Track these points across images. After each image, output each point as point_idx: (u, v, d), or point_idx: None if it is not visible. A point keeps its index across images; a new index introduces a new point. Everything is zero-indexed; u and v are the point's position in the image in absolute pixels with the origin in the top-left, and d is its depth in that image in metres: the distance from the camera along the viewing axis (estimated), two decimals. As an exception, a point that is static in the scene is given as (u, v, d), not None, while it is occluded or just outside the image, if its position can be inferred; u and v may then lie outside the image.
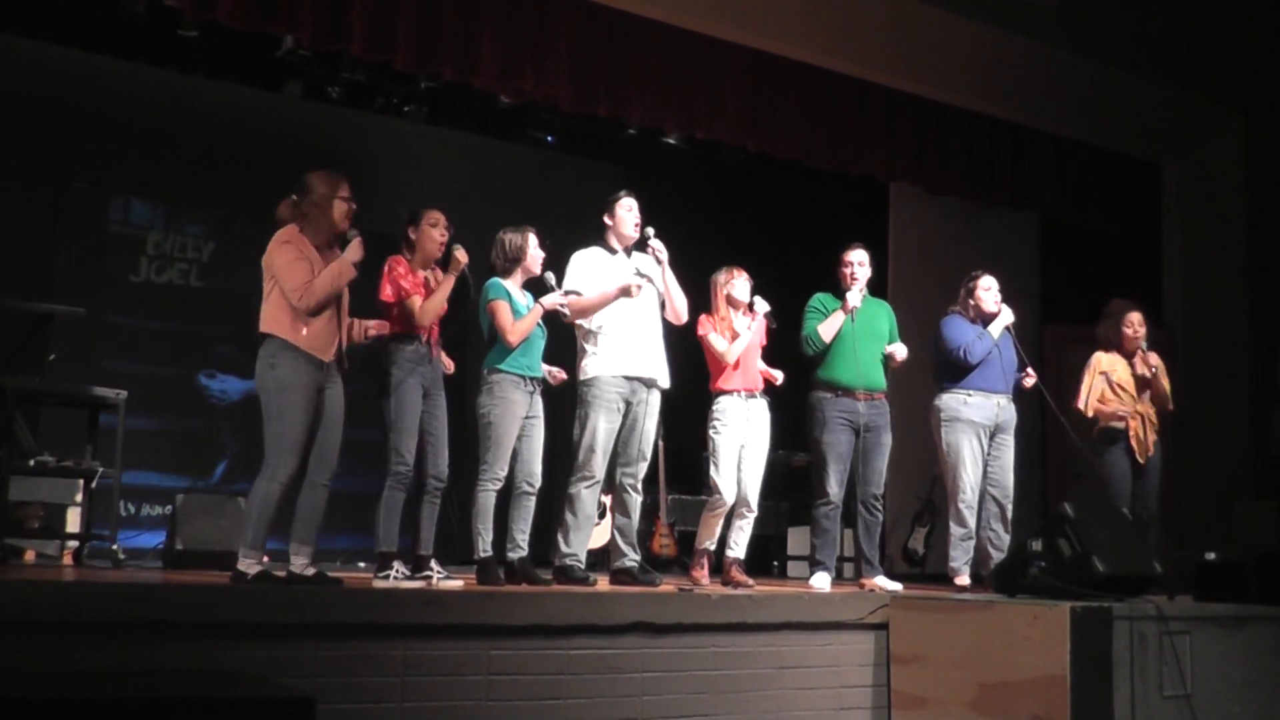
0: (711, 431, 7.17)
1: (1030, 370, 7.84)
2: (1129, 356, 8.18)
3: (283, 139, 10.13)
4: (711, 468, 7.17)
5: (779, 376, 7.37)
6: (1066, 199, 10.73)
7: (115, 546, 7.23)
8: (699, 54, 8.87)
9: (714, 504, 7.15)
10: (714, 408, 7.21)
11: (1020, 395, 7.92)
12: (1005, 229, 11.02)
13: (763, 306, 7.28)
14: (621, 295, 6.84)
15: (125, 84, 9.96)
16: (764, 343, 7.41)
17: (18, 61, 9.52)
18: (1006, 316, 7.77)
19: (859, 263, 7.61)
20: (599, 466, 6.83)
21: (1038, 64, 9.62)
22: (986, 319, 7.77)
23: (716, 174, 11.46)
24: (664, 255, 7.05)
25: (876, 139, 9.69)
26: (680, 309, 7.17)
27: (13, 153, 9.41)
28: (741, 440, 7.17)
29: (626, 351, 6.91)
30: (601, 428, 6.81)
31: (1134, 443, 8.07)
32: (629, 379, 6.90)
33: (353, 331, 5.93)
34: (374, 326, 6.07)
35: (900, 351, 7.52)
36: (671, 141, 10.76)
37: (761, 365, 7.37)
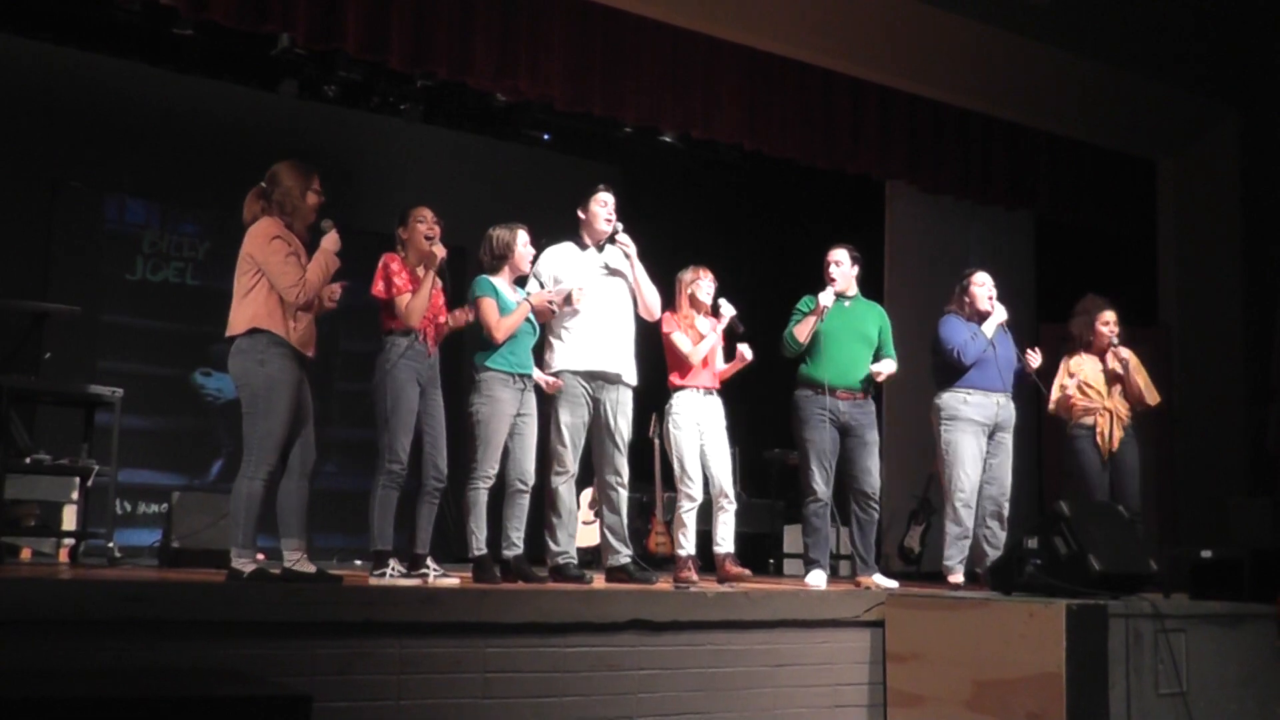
0: (670, 427, 7.19)
1: (1031, 351, 7.82)
2: (1100, 354, 8.18)
3: (278, 138, 10.11)
4: (676, 463, 7.19)
5: (748, 354, 7.34)
6: (1061, 197, 10.74)
7: (111, 544, 7.24)
8: (694, 52, 8.88)
9: (684, 499, 7.15)
10: (670, 403, 7.24)
11: (1019, 392, 7.92)
12: (1001, 227, 11.03)
13: (729, 310, 7.27)
14: (565, 304, 6.84)
15: (120, 83, 9.96)
16: (723, 343, 7.40)
17: (12, 61, 9.52)
18: (999, 315, 7.76)
19: (835, 262, 7.60)
20: (570, 459, 6.84)
21: (1032, 62, 9.63)
22: (981, 316, 7.76)
23: (713, 172, 11.46)
24: (632, 250, 7.04)
25: (871, 137, 9.69)
26: (652, 305, 7.16)
27: (8, 152, 9.43)
28: (699, 434, 7.18)
29: (592, 347, 6.92)
30: (566, 421, 6.83)
31: (1099, 439, 8.08)
32: (593, 375, 6.91)
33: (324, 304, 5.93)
34: (337, 288, 6.04)
35: (886, 368, 7.50)
36: (668, 140, 10.77)
37: (722, 365, 7.37)
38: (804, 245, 10.20)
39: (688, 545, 7.15)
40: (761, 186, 11.43)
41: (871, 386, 7.59)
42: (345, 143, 10.45)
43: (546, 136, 11.55)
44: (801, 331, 7.47)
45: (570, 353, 6.91)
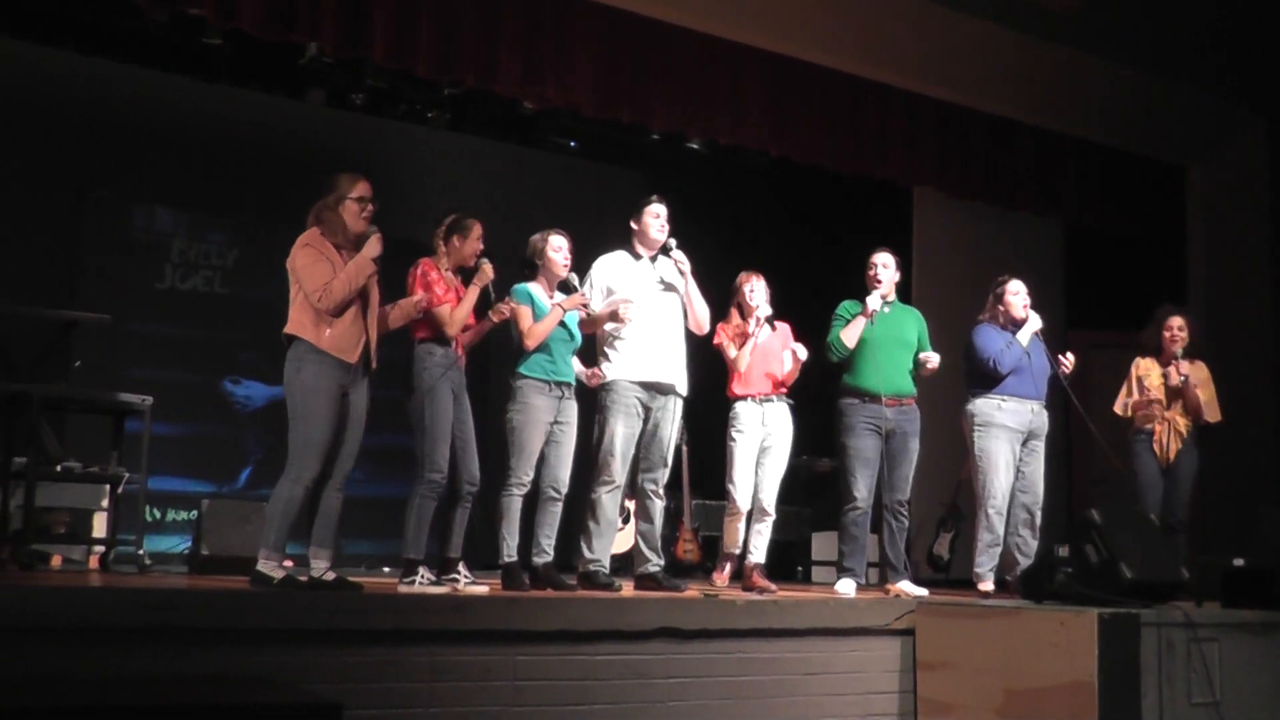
0: (729, 435, 7.19)
1: (1064, 359, 7.75)
2: (1168, 362, 8.13)
3: (306, 146, 10.16)
4: (728, 471, 7.19)
5: (801, 354, 7.31)
6: (1090, 203, 10.71)
7: (141, 552, 7.26)
8: (721, 59, 8.88)
9: (731, 510, 7.17)
10: (731, 413, 7.24)
11: (1053, 400, 7.86)
12: (1030, 233, 10.98)
13: (764, 311, 7.26)
14: (611, 320, 6.83)
15: (149, 92, 9.99)
16: (788, 345, 7.35)
17: (41, 70, 9.56)
18: (1034, 323, 7.71)
19: (882, 265, 7.61)
20: (619, 471, 6.83)
21: (1061, 67, 9.60)
22: (1016, 324, 7.72)
23: (740, 179, 11.44)
24: (686, 266, 7.04)
25: (899, 143, 9.68)
26: (702, 319, 7.16)
27: (37, 161, 9.46)
28: (759, 445, 7.17)
29: (646, 357, 6.91)
30: (620, 432, 6.81)
31: (1156, 448, 8.04)
32: (648, 385, 6.90)
33: (399, 311, 5.99)
34: (419, 300, 6.11)
35: (932, 360, 7.50)
36: (695, 147, 10.76)
37: (787, 365, 7.34)
38: (832, 252, 10.19)
39: (733, 548, 7.21)
40: (789, 193, 11.40)
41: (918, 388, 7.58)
42: (372, 151, 10.45)
43: (573, 144, 11.54)
44: (850, 336, 7.45)
45: (626, 363, 6.89)
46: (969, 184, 10.12)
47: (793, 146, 9.31)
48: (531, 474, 6.58)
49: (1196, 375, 8.11)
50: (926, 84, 9.64)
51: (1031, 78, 9.63)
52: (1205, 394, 8.09)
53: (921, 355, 7.52)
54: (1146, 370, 8.15)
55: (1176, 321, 8.16)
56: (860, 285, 7.62)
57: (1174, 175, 11.25)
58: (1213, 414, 8.14)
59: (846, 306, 7.59)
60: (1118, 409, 8.17)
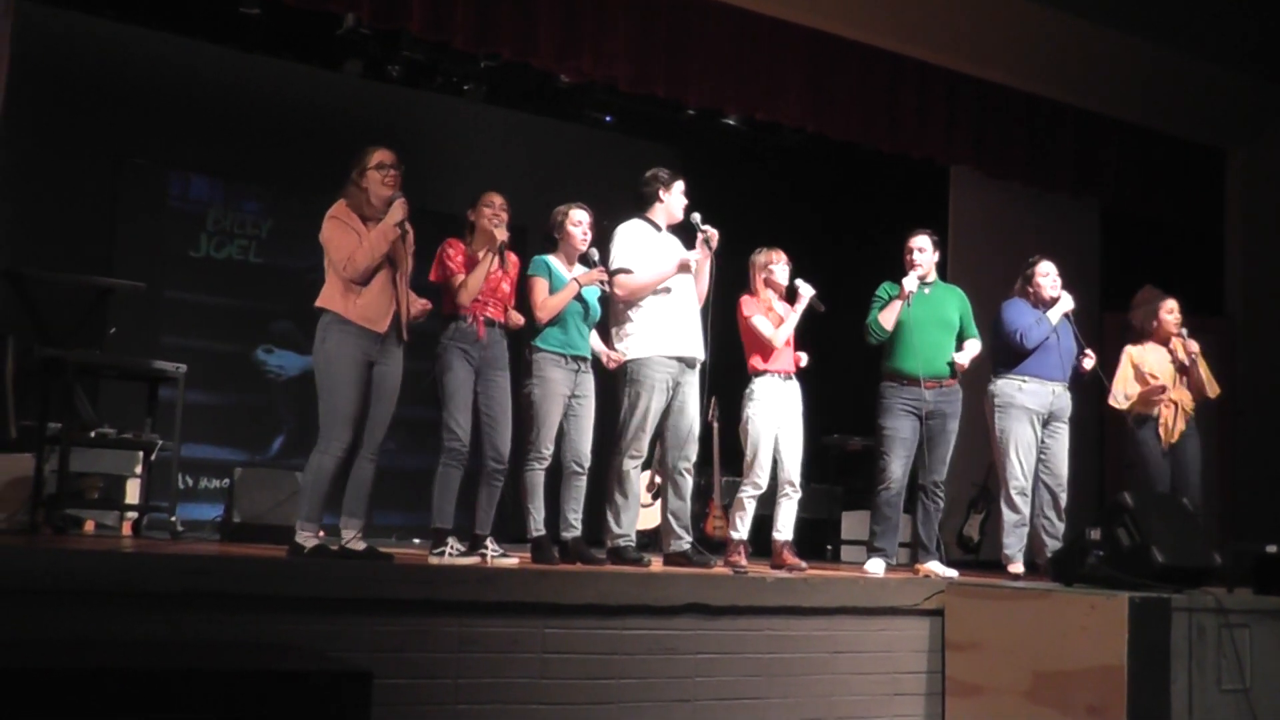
0: (749, 411, 7.15)
1: (1089, 352, 7.73)
2: (1165, 343, 8.06)
3: (342, 117, 10.16)
4: (749, 448, 7.14)
5: (803, 359, 7.33)
6: (1128, 185, 10.63)
7: (173, 518, 7.30)
8: (759, 34, 8.84)
9: (749, 484, 7.12)
10: (751, 388, 7.19)
11: (1077, 383, 7.83)
12: (1066, 215, 10.92)
13: (808, 290, 7.21)
14: (681, 271, 6.83)
15: (186, 61, 10.02)
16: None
17: (79, 39, 9.60)
18: (1066, 303, 7.67)
19: (919, 249, 7.56)
20: (646, 444, 6.83)
21: (1101, 48, 9.53)
22: (1046, 305, 7.68)
23: (776, 156, 11.40)
24: (714, 244, 6.98)
25: (937, 121, 9.62)
26: (702, 295, 7.11)
27: (74, 129, 9.50)
28: (778, 421, 7.14)
29: (673, 331, 6.88)
30: (653, 407, 6.79)
31: (1161, 429, 7.98)
32: (678, 359, 6.88)
33: (412, 308, 5.96)
34: (419, 305, 6.07)
35: (967, 355, 7.45)
36: (731, 123, 10.72)
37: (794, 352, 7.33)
38: (867, 230, 10.15)
39: (742, 529, 7.13)
40: (824, 170, 11.36)
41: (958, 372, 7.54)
42: (408, 123, 10.46)
43: (609, 118, 11.51)
44: (888, 318, 7.42)
45: (656, 338, 6.85)
46: (1007, 164, 10.06)
47: (830, 123, 9.26)
48: (551, 447, 6.57)
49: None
50: (966, 62, 9.58)
51: (1071, 58, 9.56)
52: (1204, 370, 8.04)
53: (956, 356, 7.45)
54: (1140, 357, 8.05)
55: (1173, 304, 8.10)
56: (895, 265, 7.58)
57: (1213, 159, 11.16)
58: (1213, 389, 8.07)
59: (885, 288, 7.55)
60: (1114, 402, 8.07)
